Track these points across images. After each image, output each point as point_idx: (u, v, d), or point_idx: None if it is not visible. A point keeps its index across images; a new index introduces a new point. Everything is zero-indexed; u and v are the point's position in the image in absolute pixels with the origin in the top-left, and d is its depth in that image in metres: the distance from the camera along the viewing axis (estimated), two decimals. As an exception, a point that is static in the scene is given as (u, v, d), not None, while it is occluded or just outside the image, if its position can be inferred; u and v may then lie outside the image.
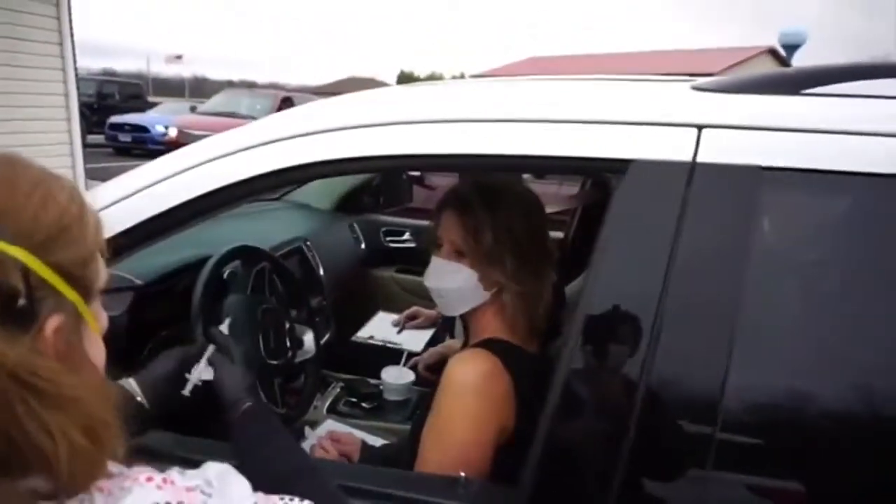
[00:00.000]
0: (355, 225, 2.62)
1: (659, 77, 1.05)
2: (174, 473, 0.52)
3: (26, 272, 0.43)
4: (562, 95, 0.91)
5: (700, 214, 0.75)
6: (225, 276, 1.35)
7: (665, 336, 0.73)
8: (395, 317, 2.17)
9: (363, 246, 2.61)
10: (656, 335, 0.73)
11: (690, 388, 0.75)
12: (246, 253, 1.39)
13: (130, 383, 0.93)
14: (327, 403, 1.78)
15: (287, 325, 1.40)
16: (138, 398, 0.91)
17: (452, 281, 1.11)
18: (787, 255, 0.76)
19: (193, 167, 0.96)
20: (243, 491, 0.57)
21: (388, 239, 2.70)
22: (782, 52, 25.35)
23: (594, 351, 0.79)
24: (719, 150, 0.76)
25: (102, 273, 0.53)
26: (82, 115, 8.79)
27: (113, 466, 0.48)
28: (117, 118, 13.19)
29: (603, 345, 0.78)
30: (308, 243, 2.06)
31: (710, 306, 0.74)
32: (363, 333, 2.08)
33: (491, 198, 1.10)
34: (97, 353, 0.53)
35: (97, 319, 0.52)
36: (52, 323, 0.45)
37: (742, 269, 0.73)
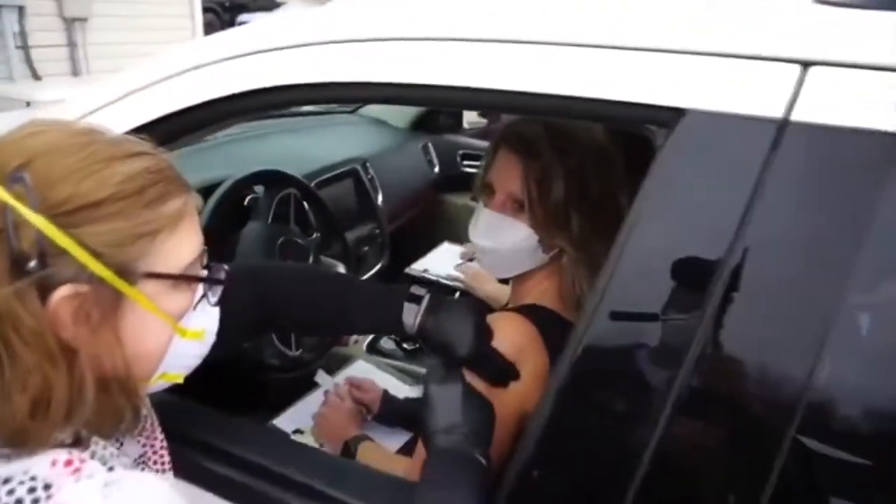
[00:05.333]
0: (430, 146, 2.43)
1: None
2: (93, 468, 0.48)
3: (42, 239, 0.46)
4: (587, 7, 0.63)
5: (783, 202, 0.49)
6: (246, 202, 1.24)
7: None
8: (460, 248, 2.01)
9: (437, 170, 2.43)
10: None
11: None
12: (269, 177, 1.26)
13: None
14: (368, 340, 1.68)
15: (311, 259, 1.28)
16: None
17: (506, 240, 0.93)
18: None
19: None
20: None
21: (466, 163, 2.50)
22: None
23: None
24: (831, 102, 0.48)
25: (167, 256, 0.53)
26: (215, 13, 9.03)
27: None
28: (246, 16, 13.57)
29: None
30: (367, 164, 1.91)
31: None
32: (418, 266, 1.95)
33: (563, 141, 0.89)
34: (143, 333, 0.54)
35: (157, 301, 0.53)
36: (64, 290, 0.48)
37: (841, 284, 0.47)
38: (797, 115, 0.49)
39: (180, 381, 0.61)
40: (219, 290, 0.60)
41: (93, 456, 0.50)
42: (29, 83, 4.95)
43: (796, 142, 0.49)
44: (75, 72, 5.54)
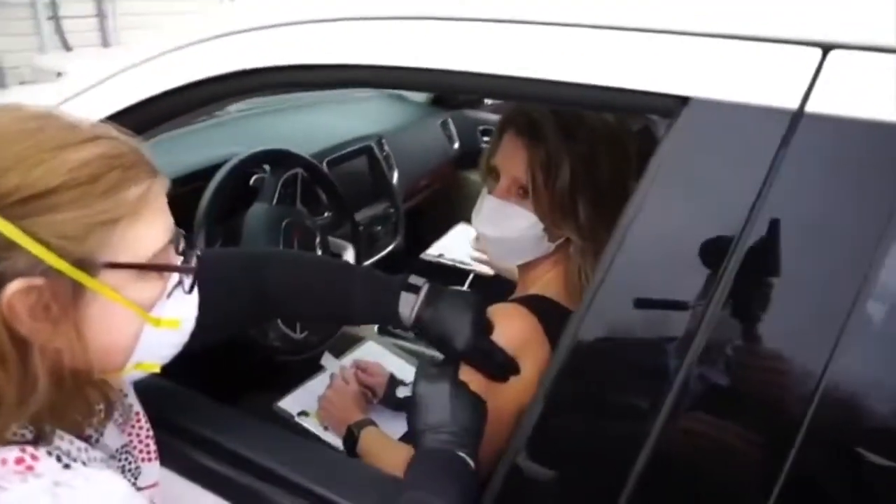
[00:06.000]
0: (449, 121, 2.37)
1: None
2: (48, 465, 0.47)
3: None
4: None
5: (795, 201, 0.45)
6: (252, 181, 1.22)
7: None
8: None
9: (456, 146, 2.38)
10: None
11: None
12: (274, 157, 1.24)
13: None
14: (379, 319, 1.67)
15: (318, 241, 1.26)
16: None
17: (510, 227, 0.90)
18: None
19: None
20: None
21: (486, 139, 2.44)
22: None
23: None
24: (854, 91, 0.43)
25: (131, 245, 0.51)
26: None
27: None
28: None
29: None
30: (382, 141, 1.87)
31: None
32: (433, 250, 1.92)
33: (571, 125, 0.85)
34: (109, 324, 0.52)
35: (123, 291, 0.51)
36: (16, 284, 0.46)
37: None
38: (814, 106, 0.44)
39: (157, 370, 0.59)
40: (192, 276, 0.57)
41: (53, 452, 0.49)
42: (60, 54, 5.00)
43: (812, 135, 0.44)
44: (105, 43, 5.58)
